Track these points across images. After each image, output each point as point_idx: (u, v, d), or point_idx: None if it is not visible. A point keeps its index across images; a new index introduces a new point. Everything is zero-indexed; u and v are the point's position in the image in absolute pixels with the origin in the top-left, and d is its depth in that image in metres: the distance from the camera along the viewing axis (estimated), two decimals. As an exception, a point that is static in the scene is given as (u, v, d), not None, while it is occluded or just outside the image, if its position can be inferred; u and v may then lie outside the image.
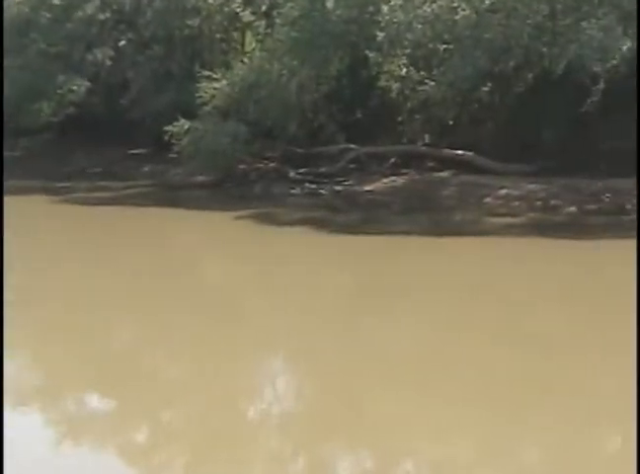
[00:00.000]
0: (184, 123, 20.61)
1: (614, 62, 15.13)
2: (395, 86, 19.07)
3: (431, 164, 20.35)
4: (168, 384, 7.54)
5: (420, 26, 17.00)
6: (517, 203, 16.97)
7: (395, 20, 17.33)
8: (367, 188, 19.57)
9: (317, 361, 7.94)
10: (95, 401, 7.23)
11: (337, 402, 6.87)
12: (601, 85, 15.83)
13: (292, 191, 19.84)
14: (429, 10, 16.93)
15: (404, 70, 18.91)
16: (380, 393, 7.05)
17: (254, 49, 24.14)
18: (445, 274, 11.63)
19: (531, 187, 17.40)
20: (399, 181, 19.64)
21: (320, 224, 15.88)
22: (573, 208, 16.21)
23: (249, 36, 25.19)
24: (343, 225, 16.21)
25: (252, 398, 7.29)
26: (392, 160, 20.94)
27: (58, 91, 23.65)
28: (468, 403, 6.67)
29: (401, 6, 17.56)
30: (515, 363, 7.59)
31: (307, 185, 20.02)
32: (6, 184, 20.48)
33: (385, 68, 18.89)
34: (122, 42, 24.66)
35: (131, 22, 24.87)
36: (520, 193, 17.29)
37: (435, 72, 17.70)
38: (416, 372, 7.54)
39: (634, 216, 15.33)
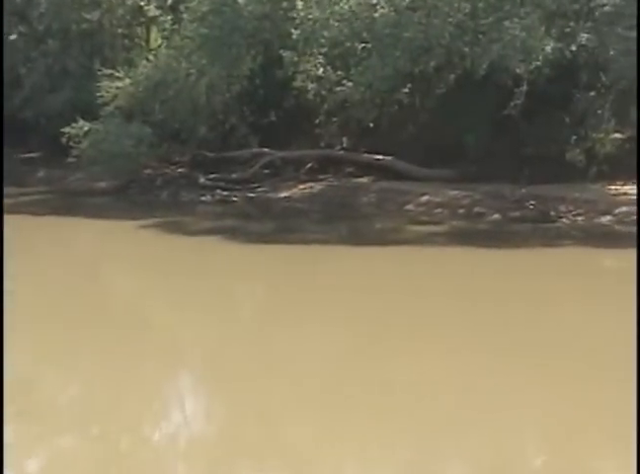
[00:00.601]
0: (83, 125, 20.00)
1: (537, 63, 15.30)
2: (311, 87, 18.91)
3: (349, 169, 20.27)
4: (72, 400, 7.15)
5: (337, 23, 16.89)
6: (439, 211, 17.01)
7: (310, 17, 17.19)
8: (283, 194, 19.34)
9: (225, 378, 7.68)
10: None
11: (246, 422, 6.61)
12: (525, 87, 16.01)
13: (202, 198, 19.46)
14: (346, 7, 16.84)
15: (320, 70, 18.76)
16: (290, 410, 6.85)
17: (160, 46, 23.62)
18: (363, 285, 11.47)
19: (454, 193, 17.47)
20: (316, 187, 19.49)
21: (232, 233, 15.58)
22: (497, 216, 16.33)
23: (154, 31, 24.67)
24: (256, 234, 15.94)
25: (158, 418, 6.98)
26: (309, 165, 20.77)
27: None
28: (384, 418, 6.49)
29: (317, 2, 17.43)
30: (430, 376, 7.46)
31: (218, 191, 19.67)
32: None
33: (301, 68, 18.71)
34: (13, 36, 23.78)
35: (23, 14, 24.00)
36: (442, 199, 17.34)
37: (352, 72, 17.59)
38: (331, 388, 7.35)
39: (559, 224, 15.58)
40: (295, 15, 17.73)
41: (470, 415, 6.69)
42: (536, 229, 15.25)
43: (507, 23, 15.48)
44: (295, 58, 18.26)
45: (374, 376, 7.59)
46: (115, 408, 7.06)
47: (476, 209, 16.66)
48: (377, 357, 8.14)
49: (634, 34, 15.30)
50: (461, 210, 16.82)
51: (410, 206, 17.39)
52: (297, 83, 18.69)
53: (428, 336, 8.88)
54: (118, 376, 7.72)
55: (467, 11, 16.32)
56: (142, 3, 23.48)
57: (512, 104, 16.30)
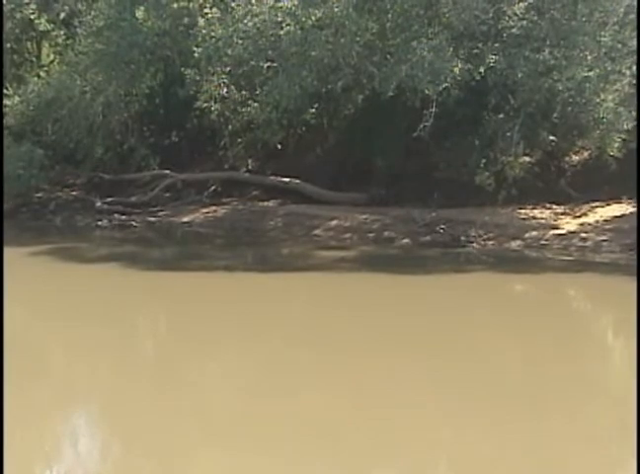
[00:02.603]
0: (-33, 145, 19.57)
1: (446, 85, 15.73)
2: (215, 106, 18.93)
3: (255, 192, 20.38)
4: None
5: (241, 41, 16.95)
6: (348, 235, 17.24)
7: (213, 34, 17.23)
8: (185, 219, 19.28)
9: (124, 418, 7.55)
10: None
11: (147, 466, 6.53)
12: (434, 109, 16.42)
13: (99, 222, 19.24)
14: (250, 24, 16.93)
15: (224, 89, 18.83)
16: (194, 451, 6.79)
17: (52, 62, 23.37)
18: (268, 312, 11.49)
19: (363, 217, 17.75)
20: (220, 211, 19.49)
21: (131, 260, 15.38)
22: (407, 240, 16.66)
23: (46, 46, 24.34)
24: (157, 261, 15.81)
25: (52, 461, 6.82)
26: (212, 188, 20.78)
27: None
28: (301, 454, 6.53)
29: (219, 19, 17.48)
30: (336, 411, 7.54)
31: (116, 215, 19.49)
32: None
33: (204, 87, 18.72)
34: None
35: None
36: (351, 223, 17.59)
37: (258, 92, 17.72)
38: (229, 425, 7.33)
39: (469, 248, 16.00)
40: (197, 32, 17.75)
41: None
42: (447, 254, 15.61)
43: (415, 43, 15.85)
44: (198, 77, 18.27)
45: (279, 409, 7.61)
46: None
47: (386, 234, 16.97)
48: (284, 392, 8.14)
49: (541, 56, 15.93)
50: (371, 235, 17.09)
51: (318, 231, 17.57)
52: (200, 103, 18.70)
53: (336, 367, 8.92)
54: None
55: (375, 31, 16.67)
56: (33, 16, 23.12)
57: (421, 126, 16.67)
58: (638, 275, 12.34)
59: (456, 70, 15.65)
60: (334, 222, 17.77)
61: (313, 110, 18.80)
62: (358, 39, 16.42)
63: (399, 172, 19.09)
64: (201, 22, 17.73)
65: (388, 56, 16.53)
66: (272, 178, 20.37)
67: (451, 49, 15.82)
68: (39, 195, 20.70)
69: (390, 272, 14.08)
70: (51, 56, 24.03)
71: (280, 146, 20.26)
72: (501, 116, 17.21)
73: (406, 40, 16.18)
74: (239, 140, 20.97)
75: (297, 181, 19.64)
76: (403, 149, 18.91)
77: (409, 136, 17.44)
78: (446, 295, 12.45)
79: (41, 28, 23.49)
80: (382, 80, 16.27)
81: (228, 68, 18.07)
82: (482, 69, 16.28)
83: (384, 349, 9.57)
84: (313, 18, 16.52)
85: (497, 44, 16.55)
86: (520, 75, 16.06)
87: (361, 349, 9.56)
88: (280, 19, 16.72)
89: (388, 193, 18.81)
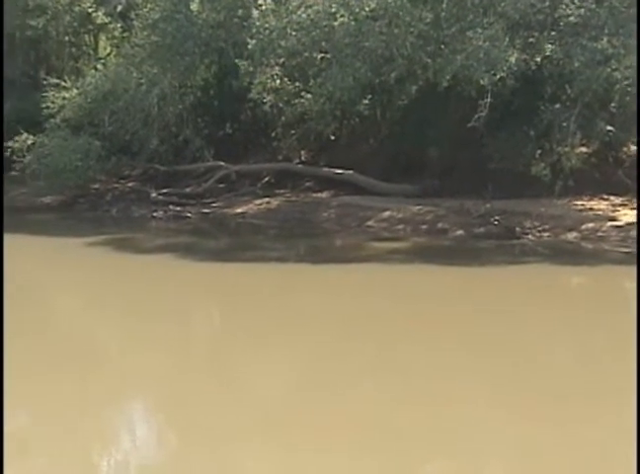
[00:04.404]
0: (27, 138, 19.87)
1: (502, 75, 15.51)
2: (268, 98, 18.94)
3: (308, 184, 20.33)
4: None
5: (294, 33, 16.93)
6: (401, 227, 17.10)
7: (267, 26, 17.22)
8: (239, 210, 19.32)
9: (179, 409, 7.59)
10: None
11: (201, 456, 6.55)
12: (489, 99, 16.20)
13: (154, 213, 19.36)
14: (304, 15, 16.89)
15: (278, 81, 18.82)
16: (251, 439, 6.81)
17: (109, 55, 23.62)
18: (323, 304, 11.46)
19: (416, 208, 17.60)
20: (273, 202, 19.49)
21: (186, 251, 15.49)
22: (460, 232, 16.46)
23: (103, 39, 24.61)
24: (211, 252, 15.87)
25: (109, 449, 6.88)
26: (266, 179, 20.81)
27: None
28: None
29: (273, 11, 17.47)
30: (389, 405, 7.47)
31: (171, 207, 19.60)
32: None
33: (257, 78, 18.74)
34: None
35: (-39, 19, 23.79)
36: (404, 215, 17.45)
37: (311, 83, 17.66)
38: (290, 414, 7.31)
39: (524, 240, 15.76)
40: (251, 24, 17.76)
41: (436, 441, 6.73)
42: (501, 246, 15.39)
43: (470, 33, 15.66)
44: (251, 69, 18.27)
45: (331, 398, 7.57)
46: (62, 438, 6.94)
47: (439, 225, 16.80)
48: (337, 385, 8.07)
49: (599, 45, 15.59)
50: (424, 226, 16.93)
51: (371, 222, 17.47)
52: (254, 94, 18.72)
53: (388, 360, 8.85)
54: (61, 408, 7.59)
55: (429, 21, 16.48)
56: (90, 10, 23.38)
57: (475, 116, 16.45)
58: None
59: (512, 60, 15.42)
60: (387, 213, 17.64)
61: (366, 101, 18.65)
62: (412, 29, 16.26)
63: (453, 163, 18.88)
64: (256, 13, 17.74)
65: (443, 46, 16.35)
66: (325, 169, 20.31)
67: (507, 39, 15.59)
68: (95, 186, 20.93)
69: (444, 263, 13.94)
70: (108, 49, 24.30)
71: (333, 137, 20.20)
72: (557, 106, 16.92)
73: (461, 30, 15.98)
74: (292, 132, 20.94)
75: (350, 172, 19.54)
76: (457, 140, 18.70)
77: (463, 127, 17.24)
78: (501, 288, 12.29)
79: (99, 21, 23.78)
80: (437, 70, 16.11)
81: (282, 60, 18.06)
82: (538, 59, 16.03)
83: (437, 341, 9.48)
84: (367, 8, 16.42)
85: (553, 33, 16.26)
86: (576, 64, 15.73)
87: (414, 341, 9.49)
88: (333, 10, 16.65)
89: (442, 184, 18.62)
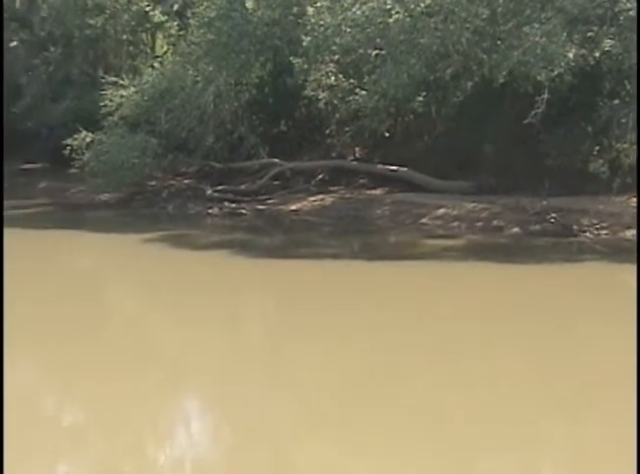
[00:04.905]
0: (85, 136, 20.16)
1: (559, 70, 15.28)
2: (323, 95, 18.96)
3: (362, 180, 20.28)
4: (72, 428, 7.14)
5: (349, 29, 16.89)
6: (456, 224, 16.95)
7: (322, 23, 17.21)
8: (293, 207, 19.35)
9: (236, 397, 7.63)
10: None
11: (259, 450, 6.57)
12: (546, 95, 15.97)
13: (210, 210, 19.49)
14: (359, 12, 16.84)
15: (332, 78, 18.81)
16: (305, 431, 6.82)
17: (166, 53, 23.83)
18: (378, 301, 11.43)
19: (471, 205, 17.42)
20: (327, 199, 19.48)
21: (241, 247, 15.57)
22: (516, 229, 16.25)
23: (160, 38, 24.86)
24: (266, 248, 15.92)
25: (165, 445, 6.95)
26: (320, 176, 20.81)
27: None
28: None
29: (328, 8, 17.45)
30: (448, 399, 7.39)
31: (226, 203, 19.71)
32: None
33: (312, 76, 18.76)
34: (14, 43, 24.01)
35: (24, 20, 24.25)
36: (459, 212, 17.29)
37: (366, 80, 17.61)
38: (346, 408, 7.30)
39: (581, 238, 15.50)
40: (306, 21, 17.76)
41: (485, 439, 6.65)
42: (558, 243, 15.16)
43: (527, 28, 15.45)
44: (306, 66, 18.31)
45: (390, 396, 7.54)
46: (122, 432, 7.04)
47: (495, 223, 16.61)
48: (393, 377, 8.08)
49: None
50: (479, 224, 16.76)
51: (425, 219, 17.35)
52: (308, 91, 18.72)
53: (442, 356, 8.81)
54: (119, 401, 7.68)
55: (485, 16, 16.29)
56: (148, 9, 23.63)
57: (532, 112, 16.24)
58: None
59: (570, 55, 15.19)
60: (441, 211, 17.50)
61: (421, 97, 18.55)
62: (467, 25, 16.10)
63: (508, 160, 18.65)
64: (311, 11, 17.73)
65: (499, 42, 16.16)
66: (379, 166, 20.23)
67: (565, 34, 15.36)
68: (152, 183, 21.14)
69: (499, 261, 13.77)
70: (165, 47, 24.53)
71: (387, 134, 20.13)
72: (616, 101, 16.63)
73: (518, 26, 15.78)
74: (346, 129, 20.91)
75: (405, 169, 19.44)
76: (513, 136, 18.49)
77: (519, 123, 17.04)
78: (558, 286, 12.11)
79: (156, 19, 24.02)
80: (493, 66, 15.94)
81: (336, 57, 18.06)
82: (597, 54, 15.78)
83: (492, 339, 9.37)
84: (422, 5, 16.31)
85: (612, 28, 15.96)
86: (635, 59, 15.42)
87: (470, 339, 9.39)
88: (388, 6, 16.58)
89: (497, 181, 18.40)
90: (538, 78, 15.43)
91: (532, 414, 7.12)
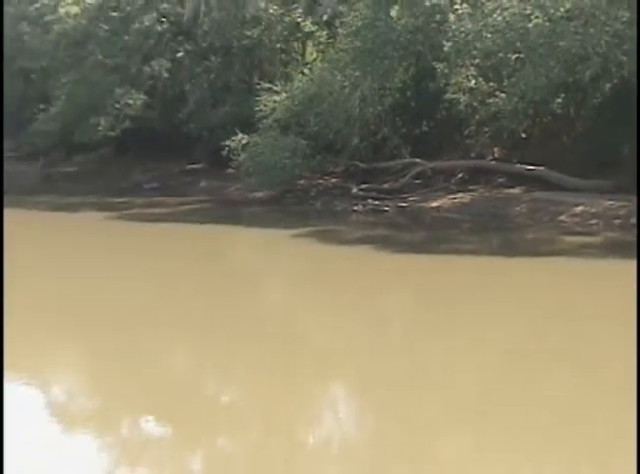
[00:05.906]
0: (242, 138, 20.91)
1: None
2: (463, 98, 19.02)
3: (500, 179, 20.19)
4: (227, 411, 7.63)
5: (489, 35, 16.93)
6: (594, 222, 16.69)
7: (463, 29, 17.32)
8: (433, 204, 19.49)
9: (378, 386, 7.90)
10: (149, 424, 7.34)
11: (400, 436, 6.79)
12: (686, 95, 15.52)
13: (355, 207, 19.89)
14: (499, 18, 16.86)
15: (472, 81, 18.84)
16: (444, 421, 6.99)
17: (315, 60, 24.40)
18: (519, 297, 11.45)
19: (609, 204, 17.11)
20: (467, 197, 19.52)
21: (384, 243, 15.85)
22: (655, 228, 15.83)
23: (310, 46, 25.43)
24: (407, 244, 16.12)
25: (309, 425, 7.28)
26: (459, 175, 20.85)
27: (115, 105, 24.14)
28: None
29: (470, 14, 17.54)
30: (584, 399, 7.41)
31: (370, 201, 20.04)
32: (62, 201, 21.17)
33: (453, 79, 18.85)
34: (180, 54, 25.12)
35: (189, 32, 25.33)
36: (596, 210, 17.02)
37: (505, 83, 17.60)
38: (484, 401, 7.44)
39: None
40: (448, 27, 17.89)
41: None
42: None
43: (667, 30, 15.08)
44: (447, 70, 18.44)
45: (525, 393, 7.59)
46: (273, 414, 7.44)
47: (633, 221, 16.25)
48: (530, 374, 8.08)
49: None
50: (617, 221, 16.43)
51: (563, 217, 17.15)
52: (449, 94, 18.83)
53: (579, 358, 8.63)
54: (271, 384, 8.00)
55: (626, 19, 15.98)
56: (300, 19, 24.25)
57: (672, 113, 15.81)
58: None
59: None
60: (579, 209, 17.26)
61: (560, 99, 18.34)
62: (607, 28, 15.85)
63: (648, 159, 18.13)
64: (452, 17, 17.85)
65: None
66: (517, 165, 20.09)
67: None
68: (301, 182, 21.69)
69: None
70: (315, 55, 25.09)
71: (524, 135, 19.96)
72: None
73: (658, 28, 15.39)
74: (485, 130, 20.86)
75: (542, 168, 19.23)
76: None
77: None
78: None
79: (307, 29, 24.59)
80: (632, 68, 15.58)
81: (477, 61, 18.12)
82: None
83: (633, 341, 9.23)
84: (562, 9, 16.18)
85: None
86: None
87: (615, 341, 9.14)
88: (528, 11, 16.52)
89: (635, 179, 17.92)
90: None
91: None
